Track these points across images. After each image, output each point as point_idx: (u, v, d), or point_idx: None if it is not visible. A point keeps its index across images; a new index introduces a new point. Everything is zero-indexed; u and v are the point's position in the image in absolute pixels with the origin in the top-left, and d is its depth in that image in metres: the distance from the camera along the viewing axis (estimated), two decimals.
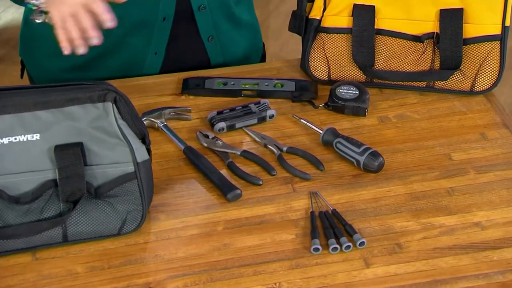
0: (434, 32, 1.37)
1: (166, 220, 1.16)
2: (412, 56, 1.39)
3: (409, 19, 1.37)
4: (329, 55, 1.40)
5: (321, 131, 1.30)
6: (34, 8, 1.22)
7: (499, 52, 1.37)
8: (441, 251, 1.11)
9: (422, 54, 1.38)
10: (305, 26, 1.40)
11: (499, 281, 1.08)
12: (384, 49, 1.39)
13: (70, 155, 1.08)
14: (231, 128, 1.32)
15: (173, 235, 1.14)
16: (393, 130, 1.33)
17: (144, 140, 1.13)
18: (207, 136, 1.30)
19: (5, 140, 1.07)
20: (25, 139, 1.07)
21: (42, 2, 1.21)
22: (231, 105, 1.36)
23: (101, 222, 1.12)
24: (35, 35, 1.46)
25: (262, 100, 1.37)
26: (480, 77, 1.38)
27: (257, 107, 1.35)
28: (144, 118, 1.32)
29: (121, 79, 1.43)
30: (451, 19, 1.35)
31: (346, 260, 1.10)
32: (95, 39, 1.17)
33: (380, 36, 1.38)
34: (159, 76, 1.45)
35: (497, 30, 1.36)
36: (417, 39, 1.37)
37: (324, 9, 1.38)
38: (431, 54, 1.38)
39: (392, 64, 1.40)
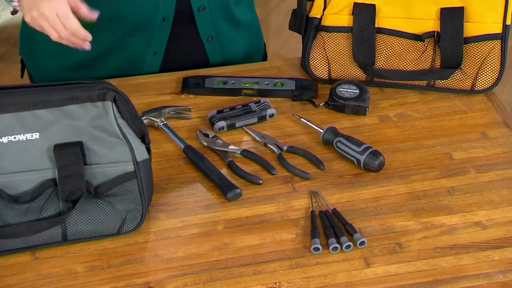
0: (434, 31, 1.36)
1: (166, 219, 1.16)
2: (412, 55, 1.38)
3: (410, 17, 1.37)
4: (329, 54, 1.40)
5: (321, 130, 1.29)
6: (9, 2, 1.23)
7: (500, 51, 1.36)
8: (441, 250, 1.11)
9: (422, 53, 1.38)
10: (306, 25, 1.40)
11: (500, 281, 1.08)
12: (385, 48, 1.39)
13: (70, 154, 1.08)
14: (231, 127, 1.32)
15: (173, 234, 1.14)
16: (394, 129, 1.33)
17: (144, 139, 1.13)
18: (207, 135, 1.30)
19: (5, 139, 1.07)
20: (24, 138, 1.07)
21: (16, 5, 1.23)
22: (231, 104, 1.36)
23: (101, 222, 1.11)
24: (35, 33, 1.45)
25: (262, 99, 1.36)
26: (481, 76, 1.38)
27: (257, 106, 1.35)
28: (144, 117, 1.32)
29: (120, 78, 1.43)
30: (452, 17, 1.35)
31: (346, 260, 1.10)
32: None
33: (381, 35, 1.38)
34: (159, 75, 1.45)
35: (498, 29, 1.35)
36: (417, 37, 1.37)
37: (325, 8, 1.38)
38: (432, 53, 1.38)
39: (393, 63, 1.39)
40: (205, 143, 1.29)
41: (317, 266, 1.09)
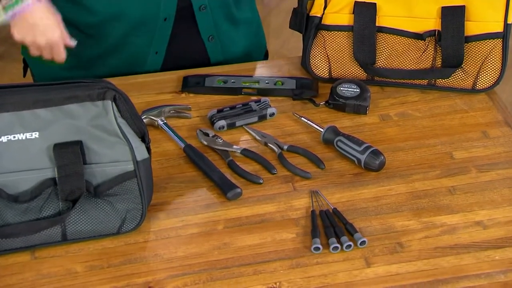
0: (435, 30, 1.36)
1: (166, 219, 1.16)
2: (413, 54, 1.38)
3: (411, 16, 1.36)
4: (330, 52, 1.40)
5: (322, 130, 1.29)
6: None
7: (501, 50, 1.36)
8: (442, 250, 1.11)
9: (423, 52, 1.38)
10: (306, 24, 1.39)
11: (501, 281, 1.07)
12: (385, 47, 1.38)
13: (69, 154, 1.07)
14: (231, 126, 1.32)
15: (173, 234, 1.14)
16: (394, 128, 1.32)
17: (143, 138, 1.13)
18: (207, 134, 1.30)
19: (4, 139, 1.07)
20: (24, 138, 1.07)
21: (6, 19, 1.25)
22: (231, 103, 1.36)
23: (101, 221, 1.11)
24: None
25: (263, 98, 1.36)
26: (482, 75, 1.37)
27: (257, 105, 1.34)
28: (144, 116, 1.32)
29: (120, 77, 1.42)
30: (453, 16, 1.35)
31: (347, 260, 1.10)
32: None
33: (381, 34, 1.38)
34: (159, 74, 1.45)
35: (499, 28, 1.35)
36: (418, 36, 1.36)
37: (325, 7, 1.38)
38: (433, 52, 1.37)
39: (394, 62, 1.39)
40: (205, 142, 1.28)
41: (318, 266, 1.09)
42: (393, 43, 1.38)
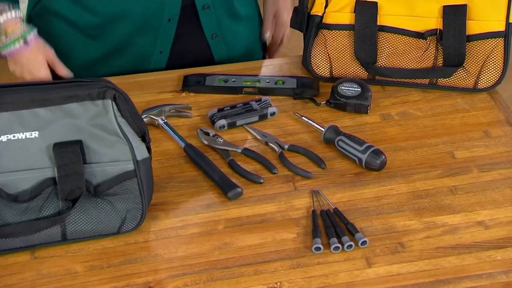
0: (437, 29, 1.36)
1: (166, 218, 1.15)
2: (415, 53, 1.37)
3: (412, 15, 1.36)
4: (331, 52, 1.39)
5: (322, 129, 1.29)
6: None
7: (503, 49, 1.35)
8: (444, 250, 1.10)
9: (425, 51, 1.37)
10: (307, 23, 1.39)
11: (503, 281, 1.07)
12: (387, 46, 1.38)
13: (69, 153, 1.07)
14: (232, 125, 1.31)
15: (173, 234, 1.13)
16: (396, 127, 1.32)
17: (144, 138, 1.12)
18: (207, 134, 1.29)
19: (4, 138, 1.06)
20: (23, 137, 1.07)
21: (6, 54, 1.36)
22: (232, 102, 1.35)
23: (101, 221, 1.11)
24: (41, 34, 1.46)
25: (263, 98, 1.36)
26: (484, 74, 1.37)
27: (258, 105, 1.34)
28: (144, 115, 1.31)
29: (121, 76, 1.42)
30: (455, 15, 1.34)
31: (348, 260, 1.09)
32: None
33: (383, 33, 1.37)
34: (160, 73, 1.45)
35: (501, 27, 1.34)
36: (420, 35, 1.36)
37: (326, 5, 1.37)
38: (434, 51, 1.37)
39: (395, 61, 1.38)
40: (205, 142, 1.28)
41: (319, 266, 1.08)
42: (395, 42, 1.37)
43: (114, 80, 1.12)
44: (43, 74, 1.38)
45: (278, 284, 1.06)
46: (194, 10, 1.43)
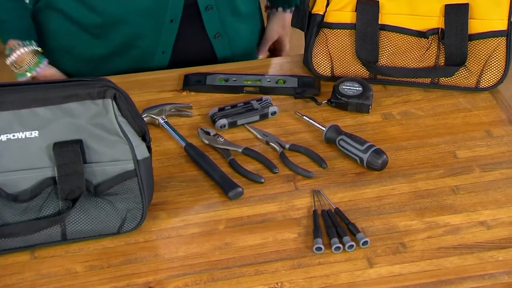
0: (439, 28, 1.35)
1: (166, 218, 1.15)
2: (416, 52, 1.37)
3: (414, 14, 1.35)
4: (332, 51, 1.39)
5: (324, 128, 1.28)
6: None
7: (505, 48, 1.35)
8: (445, 250, 1.10)
9: (426, 50, 1.37)
10: (308, 21, 1.38)
11: (505, 282, 1.06)
12: (388, 45, 1.37)
13: (69, 153, 1.07)
14: (232, 125, 1.31)
15: (174, 233, 1.13)
16: (397, 127, 1.32)
17: (144, 137, 1.12)
18: (208, 133, 1.29)
19: (3, 137, 1.06)
20: (23, 136, 1.06)
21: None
22: (232, 101, 1.35)
23: (101, 221, 1.10)
24: (43, 30, 1.46)
25: (264, 97, 1.35)
26: (486, 73, 1.36)
27: (259, 104, 1.34)
28: (145, 115, 1.31)
29: (121, 75, 1.42)
30: (456, 14, 1.34)
31: (349, 260, 1.09)
32: None
33: (384, 32, 1.37)
34: (160, 72, 1.44)
35: (503, 26, 1.34)
36: (421, 34, 1.35)
37: (328, 4, 1.37)
38: (436, 50, 1.36)
39: (396, 60, 1.38)
40: (206, 141, 1.28)
41: (320, 266, 1.08)
42: (396, 41, 1.37)
43: (114, 79, 1.12)
44: None
45: (279, 284, 1.06)
46: (197, 11, 1.44)
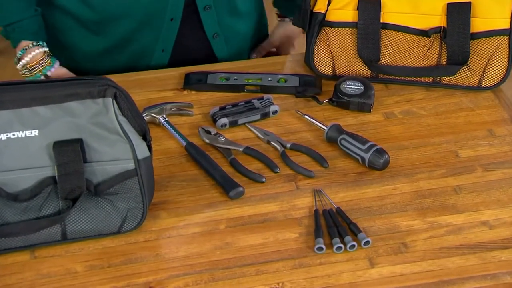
0: (441, 27, 1.34)
1: (167, 218, 1.15)
2: (418, 51, 1.36)
3: (416, 13, 1.35)
4: (333, 49, 1.38)
5: (325, 128, 1.28)
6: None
7: (507, 47, 1.34)
8: (447, 250, 1.09)
9: (428, 49, 1.36)
10: (310, 20, 1.38)
11: (507, 282, 1.06)
12: (390, 44, 1.37)
13: (69, 152, 1.06)
14: (233, 124, 1.31)
15: (174, 233, 1.12)
16: (399, 126, 1.31)
17: (145, 136, 1.11)
18: (209, 132, 1.28)
19: (3, 136, 1.05)
20: (23, 135, 1.06)
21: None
22: (233, 100, 1.34)
23: (101, 220, 1.10)
24: (46, 26, 1.47)
25: (265, 96, 1.35)
26: (488, 72, 1.36)
27: (260, 103, 1.33)
28: (145, 114, 1.31)
29: (121, 73, 1.42)
30: (459, 13, 1.33)
31: (350, 260, 1.08)
32: None
33: (386, 31, 1.36)
34: (161, 71, 1.44)
35: (506, 25, 1.33)
36: (423, 33, 1.35)
37: (329, 3, 1.36)
38: (438, 49, 1.36)
39: (398, 59, 1.37)
40: (207, 140, 1.27)
41: (321, 266, 1.07)
42: (398, 40, 1.36)
43: (115, 78, 1.12)
44: None
45: (280, 284, 1.05)
46: (195, 10, 1.44)
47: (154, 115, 1.31)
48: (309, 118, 1.31)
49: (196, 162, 1.24)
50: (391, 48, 1.37)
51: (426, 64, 1.37)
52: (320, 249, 1.09)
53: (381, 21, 1.35)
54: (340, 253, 1.09)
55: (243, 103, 1.33)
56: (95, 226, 1.10)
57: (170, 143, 1.28)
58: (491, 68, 1.35)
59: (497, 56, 1.35)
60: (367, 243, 1.10)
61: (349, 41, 1.37)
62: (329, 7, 1.36)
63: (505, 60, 1.35)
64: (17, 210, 1.07)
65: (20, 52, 1.41)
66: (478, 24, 1.34)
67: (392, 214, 1.15)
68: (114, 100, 1.06)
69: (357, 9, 1.35)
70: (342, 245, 1.09)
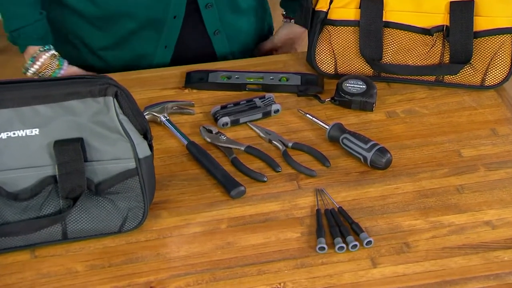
0: (444, 25, 1.34)
1: (168, 217, 1.14)
2: (421, 50, 1.36)
3: (418, 11, 1.34)
4: (336, 48, 1.38)
5: (327, 127, 1.27)
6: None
7: (510, 46, 1.34)
8: (450, 250, 1.09)
9: (431, 48, 1.35)
10: (312, 19, 1.37)
11: (510, 282, 1.05)
12: (392, 42, 1.36)
13: (70, 151, 1.06)
14: (235, 123, 1.30)
15: (175, 233, 1.12)
16: (401, 125, 1.30)
17: (146, 135, 1.11)
18: (210, 131, 1.28)
19: (4, 135, 1.05)
20: (24, 134, 1.05)
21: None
22: (235, 99, 1.34)
23: (102, 220, 1.09)
24: (51, 20, 1.47)
25: (267, 94, 1.34)
26: (491, 71, 1.35)
27: (261, 102, 1.33)
28: (146, 112, 1.30)
29: (122, 72, 1.42)
30: (462, 11, 1.32)
31: (352, 260, 1.08)
32: None
33: (388, 29, 1.35)
34: (162, 69, 1.44)
35: (509, 23, 1.33)
36: (426, 32, 1.34)
37: (331, 1, 1.36)
38: (441, 47, 1.35)
39: (401, 57, 1.37)
40: (208, 139, 1.27)
41: (323, 266, 1.07)
42: (400, 39, 1.35)
43: (116, 76, 1.11)
44: None
45: (282, 284, 1.05)
46: (197, 8, 1.44)
47: (155, 114, 1.31)
48: (311, 117, 1.31)
49: (197, 161, 1.23)
50: (394, 47, 1.36)
51: (429, 63, 1.36)
52: (322, 249, 1.09)
53: (384, 19, 1.35)
54: (342, 253, 1.08)
55: (245, 102, 1.33)
56: (95, 226, 1.09)
57: (171, 142, 1.27)
58: (494, 67, 1.35)
59: (500, 55, 1.34)
60: (369, 243, 1.09)
61: (351, 39, 1.37)
62: (331, 6, 1.36)
63: (508, 59, 1.34)
64: (18, 209, 1.07)
65: (29, 62, 1.41)
66: (481, 23, 1.33)
67: (394, 213, 1.14)
68: (115, 99, 1.06)
69: (359, 8, 1.35)
70: (344, 245, 1.08)
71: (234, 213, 1.15)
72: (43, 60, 1.41)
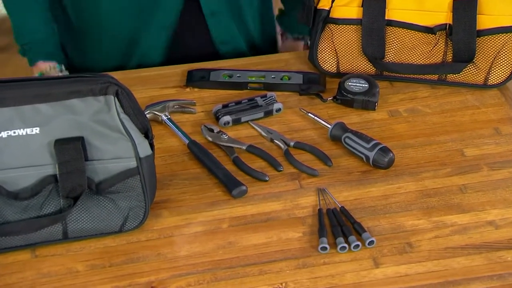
0: (446, 24, 1.33)
1: (169, 217, 1.14)
2: (423, 48, 1.35)
3: (421, 9, 1.33)
4: (338, 47, 1.37)
5: (329, 126, 1.27)
6: None
7: None
8: (453, 251, 1.08)
9: (434, 46, 1.35)
10: (314, 17, 1.37)
11: None
12: (395, 41, 1.35)
13: (71, 150, 1.05)
14: (236, 122, 1.30)
15: (177, 232, 1.12)
16: (404, 124, 1.30)
17: (147, 134, 1.10)
18: (212, 130, 1.27)
19: (4, 134, 1.05)
20: (24, 133, 1.05)
21: None
22: (237, 98, 1.33)
23: (102, 219, 1.09)
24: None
25: (269, 93, 1.34)
26: (494, 70, 1.35)
27: (263, 101, 1.32)
28: (147, 111, 1.30)
29: (123, 71, 1.42)
30: (465, 10, 1.32)
31: (354, 260, 1.07)
32: None
33: (391, 28, 1.35)
34: (163, 68, 1.44)
35: None
36: (429, 30, 1.34)
37: (333, 0, 1.35)
38: (444, 46, 1.34)
39: (403, 56, 1.36)
40: (210, 138, 1.26)
41: (325, 266, 1.06)
42: (403, 37, 1.35)
43: (117, 75, 1.11)
44: None
45: (283, 284, 1.04)
46: (201, 15, 1.43)
47: (156, 113, 1.30)
48: (313, 116, 1.30)
49: (198, 160, 1.23)
50: (396, 45, 1.36)
51: (431, 62, 1.36)
52: (324, 248, 1.08)
53: (386, 18, 1.34)
54: (344, 253, 1.08)
55: (246, 100, 1.32)
56: (96, 225, 1.09)
57: (172, 141, 1.27)
58: (497, 66, 1.34)
59: (503, 54, 1.33)
60: (371, 242, 1.09)
61: (353, 38, 1.36)
62: (333, 4, 1.35)
63: (511, 57, 1.34)
64: (18, 208, 1.06)
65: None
66: (484, 21, 1.32)
67: (396, 213, 1.14)
68: (116, 98, 1.06)
69: (362, 6, 1.34)
70: (346, 245, 1.08)
71: (235, 212, 1.14)
72: None
